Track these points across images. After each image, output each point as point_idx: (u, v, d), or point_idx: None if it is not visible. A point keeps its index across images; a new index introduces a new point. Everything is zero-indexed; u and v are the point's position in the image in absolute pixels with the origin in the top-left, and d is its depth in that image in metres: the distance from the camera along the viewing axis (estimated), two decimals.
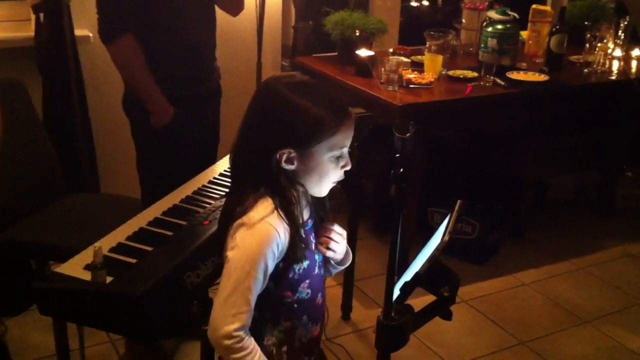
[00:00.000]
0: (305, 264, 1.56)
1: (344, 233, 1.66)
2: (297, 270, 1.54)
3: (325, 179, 1.52)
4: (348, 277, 3.02)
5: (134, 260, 1.86)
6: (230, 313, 1.45)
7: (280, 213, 1.46)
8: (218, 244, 1.55)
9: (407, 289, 1.61)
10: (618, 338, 3.04)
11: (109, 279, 1.76)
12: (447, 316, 1.68)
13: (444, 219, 1.73)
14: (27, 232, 2.53)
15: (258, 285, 1.46)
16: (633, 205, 4.37)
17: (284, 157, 1.47)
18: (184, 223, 2.08)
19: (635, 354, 2.94)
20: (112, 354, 2.77)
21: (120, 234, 2.02)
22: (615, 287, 3.44)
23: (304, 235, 1.54)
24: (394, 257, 1.52)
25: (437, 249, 1.62)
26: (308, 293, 1.58)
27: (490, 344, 2.97)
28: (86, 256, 1.86)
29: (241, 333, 1.45)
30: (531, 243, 3.82)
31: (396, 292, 1.60)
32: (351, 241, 2.96)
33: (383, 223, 3.79)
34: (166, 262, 1.84)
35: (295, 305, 1.57)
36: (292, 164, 1.48)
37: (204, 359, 1.90)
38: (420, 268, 1.61)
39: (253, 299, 1.46)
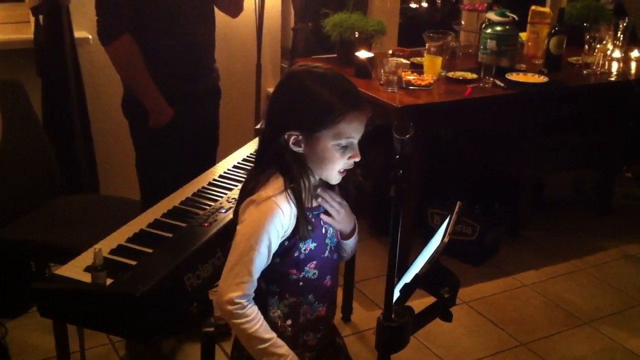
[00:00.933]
0: (312, 245, 1.61)
1: (343, 202, 1.69)
2: (302, 250, 1.60)
3: (330, 167, 1.57)
4: (348, 278, 3.03)
5: (134, 262, 1.87)
6: (234, 282, 1.53)
7: (289, 193, 1.53)
8: (234, 219, 1.63)
9: (407, 290, 1.61)
10: (617, 339, 3.04)
11: (109, 281, 1.77)
12: (447, 317, 1.68)
13: (443, 220, 1.73)
14: (26, 231, 2.53)
15: (261, 259, 1.54)
16: (632, 204, 4.38)
17: (292, 139, 1.53)
18: (183, 225, 2.08)
19: (634, 355, 2.94)
20: (112, 356, 2.77)
21: (120, 236, 2.02)
22: (614, 288, 3.44)
23: (313, 219, 1.60)
24: (394, 259, 1.52)
25: (437, 250, 1.62)
26: (315, 273, 1.64)
27: (490, 345, 2.97)
28: (86, 258, 1.86)
29: (243, 301, 1.53)
30: (530, 244, 3.83)
31: (396, 294, 1.60)
32: None
33: (382, 224, 3.78)
34: (166, 264, 1.84)
35: (301, 283, 1.63)
36: (300, 146, 1.54)
37: (204, 359, 1.90)
38: (420, 269, 1.61)
39: (255, 271, 1.54)
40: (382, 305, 1.56)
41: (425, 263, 1.62)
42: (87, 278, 1.78)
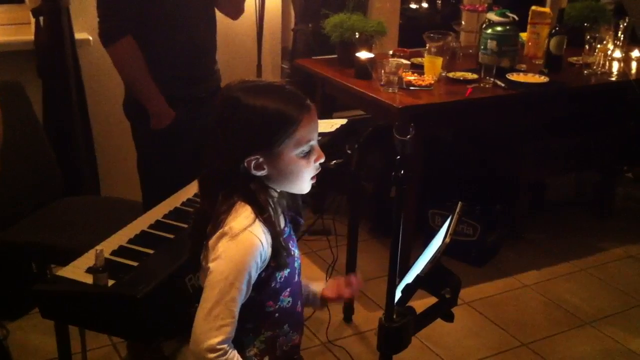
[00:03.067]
0: (286, 272, 1.54)
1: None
2: (278, 279, 1.52)
3: (300, 178, 1.50)
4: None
5: (135, 263, 1.87)
6: (214, 326, 1.42)
7: (262, 221, 1.44)
8: (193, 259, 1.53)
9: (408, 291, 1.61)
10: (619, 339, 3.04)
11: (110, 282, 1.77)
12: (449, 318, 1.68)
13: (445, 221, 1.73)
14: (27, 233, 2.53)
15: (242, 297, 1.44)
16: (633, 206, 4.38)
17: (252, 164, 1.45)
18: (185, 226, 2.08)
19: (635, 355, 2.94)
20: (114, 357, 2.77)
21: (121, 237, 2.02)
22: (615, 288, 3.44)
23: (284, 243, 1.51)
24: (395, 259, 1.52)
25: (438, 250, 1.62)
26: (289, 301, 1.57)
27: (492, 346, 2.97)
28: (88, 259, 1.86)
29: (225, 346, 1.43)
30: (531, 244, 3.83)
31: (398, 294, 1.60)
32: (352, 243, 2.97)
33: (383, 225, 3.79)
34: (167, 265, 1.84)
35: (277, 315, 1.56)
36: (263, 169, 1.46)
37: None
38: (422, 270, 1.61)
39: (237, 311, 1.44)
40: (383, 306, 1.56)
41: (427, 263, 1.62)
42: (88, 279, 1.78)
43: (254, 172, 1.46)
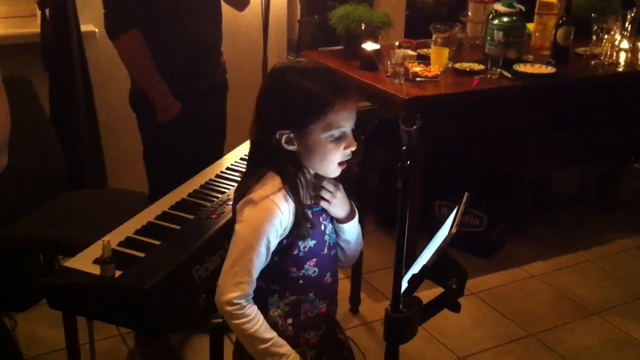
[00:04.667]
0: (312, 242, 1.59)
1: (337, 184, 1.64)
2: (301, 248, 1.58)
3: (327, 160, 1.55)
4: (356, 270, 3.03)
5: (142, 254, 1.87)
6: (233, 282, 1.51)
7: (287, 190, 1.52)
8: (232, 215, 1.61)
9: (414, 281, 1.61)
10: (626, 329, 3.04)
11: (117, 273, 1.77)
12: (456, 308, 1.68)
13: (451, 212, 1.73)
14: (35, 227, 2.54)
15: (260, 258, 1.52)
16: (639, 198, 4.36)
17: (284, 138, 1.52)
18: (191, 217, 2.09)
19: None
20: (121, 348, 2.78)
21: (128, 228, 2.03)
22: (622, 279, 3.44)
23: (310, 216, 1.58)
24: (402, 250, 1.52)
25: (444, 241, 1.62)
26: (315, 271, 1.62)
27: (498, 336, 2.97)
28: (95, 250, 1.87)
29: (242, 301, 1.51)
30: (537, 237, 3.82)
31: (404, 285, 1.60)
32: None
33: (388, 216, 3.79)
34: (174, 256, 1.85)
35: (301, 281, 1.61)
36: (293, 144, 1.53)
37: (213, 352, 1.91)
38: (428, 260, 1.61)
39: (255, 270, 1.52)
40: (389, 297, 1.56)
41: (433, 254, 1.62)
42: (95, 270, 1.79)
43: (284, 145, 1.53)
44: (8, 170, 1.59)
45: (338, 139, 1.53)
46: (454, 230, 1.62)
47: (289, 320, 1.63)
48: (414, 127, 1.43)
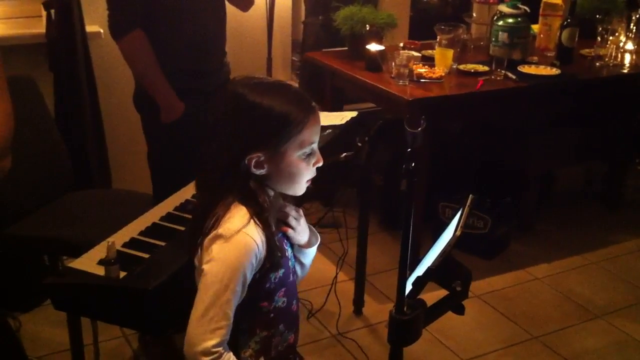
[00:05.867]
0: (281, 272, 1.53)
1: (300, 211, 1.60)
2: (273, 280, 1.51)
3: (298, 179, 1.49)
4: (360, 272, 3.03)
5: (146, 255, 1.87)
6: (208, 329, 1.40)
7: (257, 221, 1.43)
8: (189, 257, 1.51)
9: (419, 283, 1.61)
10: (630, 332, 3.03)
11: (122, 274, 1.77)
12: (460, 311, 1.68)
13: (455, 214, 1.72)
14: (39, 227, 2.54)
15: (237, 298, 1.43)
16: None
17: (253, 162, 1.44)
18: None
19: None
20: (125, 349, 2.79)
21: (133, 229, 2.03)
22: (626, 281, 3.43)
23: (278, 243, 1.50)
24: (406, 252, 1.52)
25: (449, 243, 1.62)
26: (284, 301, 1.56)
27: (502, 339, 2.97)
28: (99, 251, 1.87)
29: (220, 349, 1.41)
30: (541, 237, 3.81)
31: (408, 287, 1.60)
32: (362, 236, 2.97)
33: (392, 217, 3.79)
34: (179, 257, 1.84)
35: (272, 315, 1.54)
36: (262, 168, 1.45)
37: None
38: (433, 263, 1.61)
39: (232, 313, 1.42)
40: (393, 299, 1.56)
41: (438, 256, 1.62)
42: (100, 271, 1.79)
43: (253, 170, 1.44)
44: (13, 170, 1.59)
45: (309, 156, 1.48)
46: (458, 233, 1.62)
47: (261, 359, 1.56)
48: (419, 128, 1.43)
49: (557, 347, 2.92)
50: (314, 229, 1.66)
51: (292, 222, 1.56)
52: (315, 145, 1.49)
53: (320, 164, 1.51)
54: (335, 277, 3.00)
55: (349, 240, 3.02)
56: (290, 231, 1.57)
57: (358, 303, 3.08)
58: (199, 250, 1.47)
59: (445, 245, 1.62)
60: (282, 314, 1.56)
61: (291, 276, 1.59)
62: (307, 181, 1.52)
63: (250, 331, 1.53)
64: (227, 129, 1.44)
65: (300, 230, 1.59)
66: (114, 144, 3.47)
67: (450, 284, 1.64)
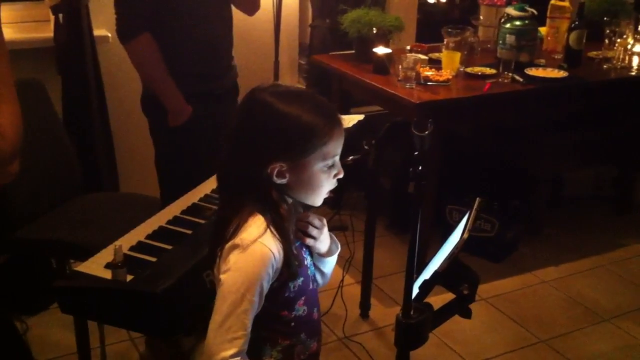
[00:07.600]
0: (300, 280, 1.51)
1: (323, 220, 1.58)
2: (292, 288, 1.50)
3: (319, 191, 1.48)
4: (366, 275, 3.03)
5: (154, 259, 1.87)
6: (226, 338, 1.39)
7: (273, 231, 1.41)
8: (210, 264, 1.50)
9: (426, 287, 1.61)
10: (638, 335, 3.02)
11: (129, 277, 1.78)
12: (467, 314, 1.68)
13: (462, 217, 1.72)
14: (47, 230, 2.55)
15: (254, 308, 1.41)
16: None
17: (276, 171, 1.42)
18: (202, 221, 2.09)
19: None
20: (132, 352, 2.79)
21: (140, 233, 2.03)
22: (635, 285, 3.41)
23: (295, 252, 1.49)
24: (413, 255, 1.52)
25: (456, 246, 1.62)
26: (305, 310, 1.54)
27: (510, 342, 2.96)
28: (106, 255, 1.87)
29: (238, 359, 1.40)
30: (550, 240, 3.80)
31: (415, 290, 1.60)
32: (369, 239, 2.97)
33: (400, 220, 3.78)
34: (186, 261, 1.85)
35: (293, 324, 1.53)
36: (284, 177, 1.43)
37: None
38: (440, 266, 1.61)
39: (249, 323, 1.41)
40: (400, 302, 1.56)
41: (445, 259, 1.61)
42: (107, 275, 1.79)
43: (275, 179, 1.43)
44: (21, 174, 1.59)
45: (331, 168, 1.46)
46: (465, 236, 1.62)
47: None
48: (426, 132, 1.43)
49: (564, 350, 2.91)
50: (334, 237, 1.64)
51: (314, 232, 1.55)
52: (337, 158, 1.47)
53: (341, 175, 1.49)
54: (342, 280, 3.00)
55: (356, 243, 3.01)
56: (310, 240, 1.55)
57: (365, 306, 3.08)
58: (218, 260, 1.46)
59: (453, 248, 1.62)
60: (303, 322, 1.55)
61: (311, 284, 1.57)
62: (327, 193, 1.51)
63: (272, 340, 1.52)
64: (252, 137, 1.43)
65: (322, 239, 1.58)
66: (122, 147, 3.47)
67: (458, 287, 1.64)
